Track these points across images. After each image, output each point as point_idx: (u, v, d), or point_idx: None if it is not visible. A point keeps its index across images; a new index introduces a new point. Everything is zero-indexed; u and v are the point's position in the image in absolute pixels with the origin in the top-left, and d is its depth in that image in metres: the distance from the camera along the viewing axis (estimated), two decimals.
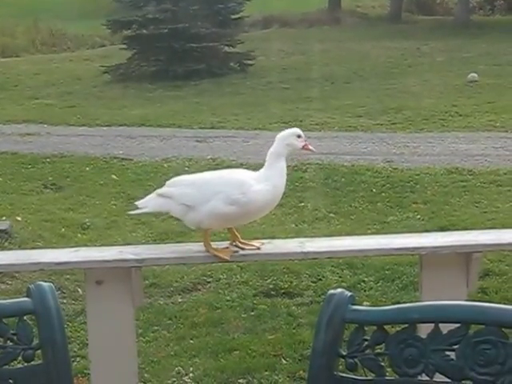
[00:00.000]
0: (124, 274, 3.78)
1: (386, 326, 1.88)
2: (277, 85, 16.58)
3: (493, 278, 6.11)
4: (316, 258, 4.15)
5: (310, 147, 3.80)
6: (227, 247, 3.88)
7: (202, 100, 15.35)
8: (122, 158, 10.80)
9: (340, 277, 6.30)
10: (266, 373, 4.83)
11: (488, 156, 10.25)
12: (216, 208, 3.68)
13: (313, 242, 3.87)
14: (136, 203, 3.89)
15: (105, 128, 13.04)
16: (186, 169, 10.05)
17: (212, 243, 3.88)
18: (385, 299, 5.77)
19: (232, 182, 3.73)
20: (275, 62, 19.18)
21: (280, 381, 4.72)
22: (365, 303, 5.47)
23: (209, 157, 10.70)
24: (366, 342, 1.87)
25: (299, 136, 3.75)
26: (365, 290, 6.03)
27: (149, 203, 3.87)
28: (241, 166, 10.05)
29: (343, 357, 1.89)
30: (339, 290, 1.94)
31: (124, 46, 18.75)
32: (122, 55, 18.58)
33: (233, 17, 19.54)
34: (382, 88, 15.69)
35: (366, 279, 6.21)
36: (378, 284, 6.13)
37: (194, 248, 3.93)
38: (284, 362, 4.93)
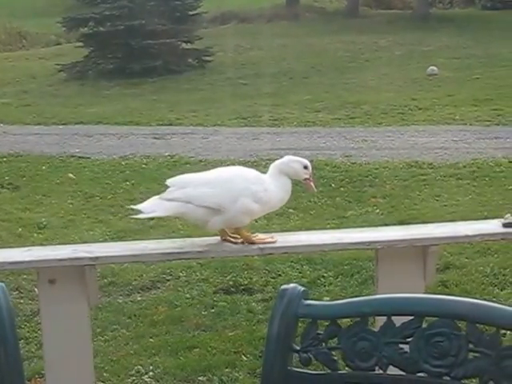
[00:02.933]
0: (78, 272, 3.73)
1: (341, 320, 1.86)
2: (235, 81, 16.58)
3: (453, 271, 6.12)
4: (272, 254, 4.11)
5: (312, 185, 3.77)
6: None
7: (159, 97, 15.31)
8: (79, 157, 10.75)
9: (300, 272, 6.27)
10: (227, 370, 4.78)
11: (448, 149, 10.30)
12: (247, 205, 3.62)
13: None
14: (137, 207, 3.67)
15: (61, 126, 12.96)
16: (144, 166, 10.01)
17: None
18: (344, 294, 5.74)
19: (254, 179, 3.69)
20: (233, 57, 19.16)
21: (240, 378, 4.68)
22: (325, 298, 5.46)
23: (167, 154, 10.66)
24: (320, 337, 1.86)
25: (305, 167, 3.74)
26: (324, 286, 6.01)
27: (157, 207, 3.67)
28: (200, 162, 10.04)
29: (297, 351, 1.87)
30: (292, 285, 1.92)
31: (80, 44, 18.67)
32: (78, 53, 18.48)
33: (190, 13, 19.50)
34: (340, 82, 15.74)
35: (325, 274, 6.19)
36: (338, 279, 6.11)
37: (150, 246, 3.88)
38: (244, 358, 4.89)
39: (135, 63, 17.42)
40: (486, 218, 6.58)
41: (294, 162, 3.72)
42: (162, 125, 12.69)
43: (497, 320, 1.68)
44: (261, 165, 9.65)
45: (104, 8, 18.11)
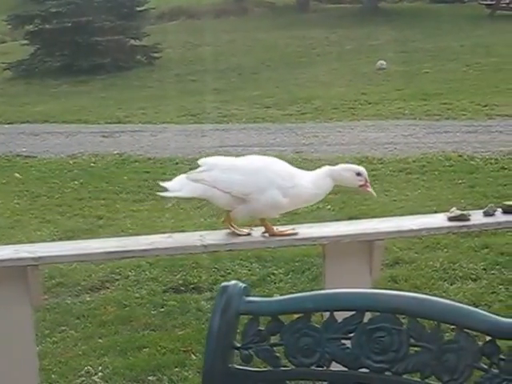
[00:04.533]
0: (20, 273, 3.66)
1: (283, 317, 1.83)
2: (184, 77, 16.51)
3: (402, 266, 6.11)
4: (217, 251, 4.07)
5: (369, 189, 3.75)
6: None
7: (108, 94, 15.19)
8: (26, 156, 10.63)
9: (249, 270, 6.23)
10: (176, 369, 4.76)
11: (397, 144, 10.31)
12: (275, 198, 3.62)
13: (213, 235, 3.81)
14: (163, 184, 3.71)
15: (7, 126, 12.82)
16: (93, 165, 9.91)
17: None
18: (295, 291, 5.71)
19: (283, 173, 3.69)
20: (182, 54, 19.10)
21: (190, 377, 4.65)
22: (275, 295, 5.42)
23: (115, 152, 10.57)
24: (261, 333, 1.83)
25: (358, 174, 3.72)
26: (275, 283, 5.98)
27: (183, 187, 3.69)
28: (148, 160, 9.97)
29: (238, 348, 1.84)
30: (233, 281, 1.90)
31: (26, 42, 18.47)
32: (24, 51, 18.31)
33: (138, 9, 19.42)
34: (290, 78, 15.72)
35: (275, 272, 6.16)
36: (288, 276, 6.08)
37: (94, 245, 3.83)
38: (194, 357, 4.86)
39: (83, 60, 17.28)
40: (435, 212, 6.61)
41: (346, 171, 3.73)
42: (110, 123, 12.58)
43: (438, 314, 1.66)
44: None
45: (50, 5, 17.93)
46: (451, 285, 5.74)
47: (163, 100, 14.19)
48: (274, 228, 3.81)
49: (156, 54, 18.39)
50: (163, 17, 23.89)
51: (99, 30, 17.62)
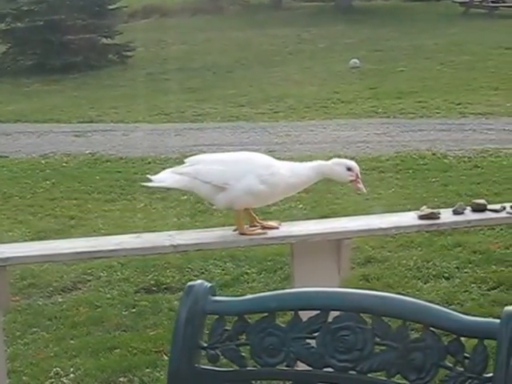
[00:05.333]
0: None
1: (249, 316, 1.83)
2: (157, 76, 16.44)
3: (375, 265, 6.10)
4: (186, 251, 4.06)
5: (359, 185, 3.75)
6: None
7: (80, 93, 15.09)
8: None
9: (223, 269, 6.21)
10: (148, 370, 4.73)
11: (370, 143, 10.31)
12: (250, 185, 3.69)
13: (182, 235, 3.81)
14: (149, 176, 3.85)
15: None
16: (65, 164, 9.84)
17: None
18: (267, 290, 5.68)
19: (261, 163, 3.78)
20: (155, 52, 19.04)
21: (161, 377, 4.64)
22: (248, 295, 5.40)
23: (87, 151, 10.49)
24: (227, 333, 1.83)
25: (349, 169, 3.73)
26: (248, 282, 5.97)
27: (166, 179, 3.84)
28: (120, 160, 9.90)
29: (204, 348, 1.84)
30: (199, 281, 1.90)
31: None
32: None
33: (110, 7, 19.31)
34: (264, 76, 15.70)
35: (248, 271, 6.14)
36: (261, 275, 6.07)
37: (63, 245, 3.80)
38: (165, 358, 4.84)
39: (55, 59, 17.16)
40: (409, 210, 6.61)
41: (337, 165, 3.77)
42: (82, 122, 12.48)
43: (402, 313, 1.65)
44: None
45: (22, 3, 17.80)
46: (425, 283, 5.73)
47: (136, 99, 14.09)
48: (245, 227, 3.80)
49: (128, 53, 18.30)
50: (136, 15, 23.77)
51: (71, 28, 17.50)
